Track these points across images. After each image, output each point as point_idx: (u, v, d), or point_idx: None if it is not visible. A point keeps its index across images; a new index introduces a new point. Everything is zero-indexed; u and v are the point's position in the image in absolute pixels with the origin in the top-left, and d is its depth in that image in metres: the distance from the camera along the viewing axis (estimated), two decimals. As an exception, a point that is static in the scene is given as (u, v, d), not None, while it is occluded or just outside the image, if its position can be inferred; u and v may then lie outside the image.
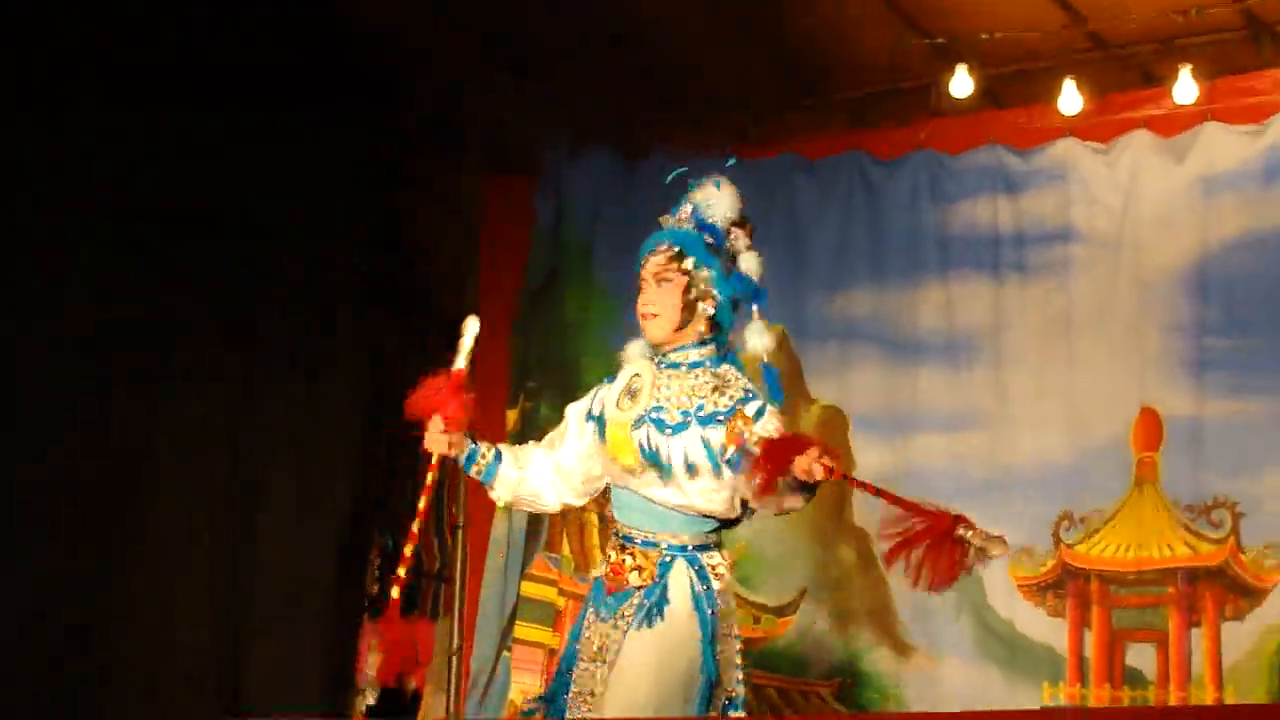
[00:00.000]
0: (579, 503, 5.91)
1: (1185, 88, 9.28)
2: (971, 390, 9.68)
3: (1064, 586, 9.36)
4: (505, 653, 10.11)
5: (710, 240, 5.68)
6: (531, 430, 8.97)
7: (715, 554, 5.59)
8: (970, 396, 9.68)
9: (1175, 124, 9.43)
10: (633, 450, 5.58)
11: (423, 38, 9.95)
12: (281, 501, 9.73)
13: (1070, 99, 9.51)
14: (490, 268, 10.54)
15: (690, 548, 5.55)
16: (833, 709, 9.62)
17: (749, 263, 5.72)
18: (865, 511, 9.69)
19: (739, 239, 5.71)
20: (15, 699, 8.21)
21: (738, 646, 5.63)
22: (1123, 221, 9.47)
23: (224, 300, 9.41)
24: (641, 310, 5.67)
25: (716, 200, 5.73)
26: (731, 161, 5.89)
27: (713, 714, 5.50)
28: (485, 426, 10.31)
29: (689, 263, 5.60)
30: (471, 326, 5.95)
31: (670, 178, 5.90)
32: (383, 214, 10.40)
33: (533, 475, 5.80)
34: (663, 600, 5.47)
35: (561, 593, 10.10)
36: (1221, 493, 9.10)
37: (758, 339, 5.73)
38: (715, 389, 5.57)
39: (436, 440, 5.75)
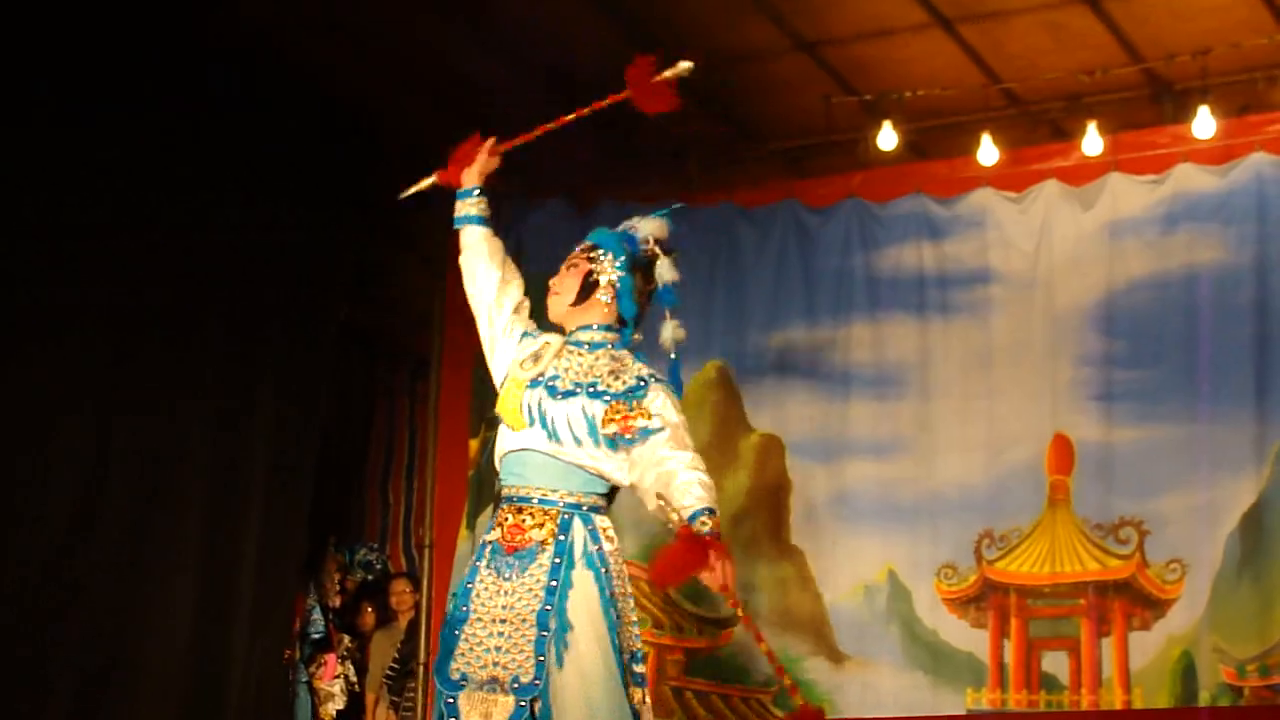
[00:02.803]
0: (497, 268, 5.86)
1: (1092, 142, 9.39)
2: (899, 420, 9.72)
3: (985, 599, 9.41)
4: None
5: (626, 245, 5.65)
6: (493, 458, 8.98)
7: (605, 517, 5.50)
8: (897, 425, 9.72)
9: (1083, 175, 9.53)
10: (516, 408, 5.51)
11: (391, 106, 9.95)
12: (258, 516, 9.59)
13: (987, 152, 9.60)
14: (455, 310, 10.15)
15: (584, 508, 5.44)
16: (772, 714, 9.62)
17: (663, 268, 5.64)
18: (802, 534, 9.81)
19: (654, 247, 5.65)
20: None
21: (632, 604, 5.50)
22: (1036, 264, 9.56)
23: (222, 345, 9.39)
24: (550, 288, 5.65)
25: (645, 221, 5.71)
26: (678, 205, 5.85)
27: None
28: (450, 456, 10.46)
29: (598, 252, 5.61)
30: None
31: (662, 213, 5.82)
32: (358, 266, 10.39)
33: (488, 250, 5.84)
34: (570, 557, 5.37)
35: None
36: (1128, 513, 9.20)
37: (668, 334, 5.59)
38: (611, 371, 5.51)
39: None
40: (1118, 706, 9.05)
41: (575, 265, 5.58)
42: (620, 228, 5.68)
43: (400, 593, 10.54)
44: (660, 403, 5.40)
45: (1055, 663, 9.31)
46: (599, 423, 5.38)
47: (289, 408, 9.71)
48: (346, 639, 10.39)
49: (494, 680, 5.26)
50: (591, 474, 5.44)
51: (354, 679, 10.29)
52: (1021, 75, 9.57)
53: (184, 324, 9.18)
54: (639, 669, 5.44)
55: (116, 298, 8.78)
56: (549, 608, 5.27)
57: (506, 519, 5.46)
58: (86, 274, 8.61)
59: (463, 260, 5.81)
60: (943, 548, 9.50)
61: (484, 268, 5.76)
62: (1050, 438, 9.38)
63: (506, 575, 5.38)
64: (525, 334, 5.68)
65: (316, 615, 10.15)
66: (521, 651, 5.26)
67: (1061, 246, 9.52)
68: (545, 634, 5.24)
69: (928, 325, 9.75)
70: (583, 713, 5.21)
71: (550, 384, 5.48)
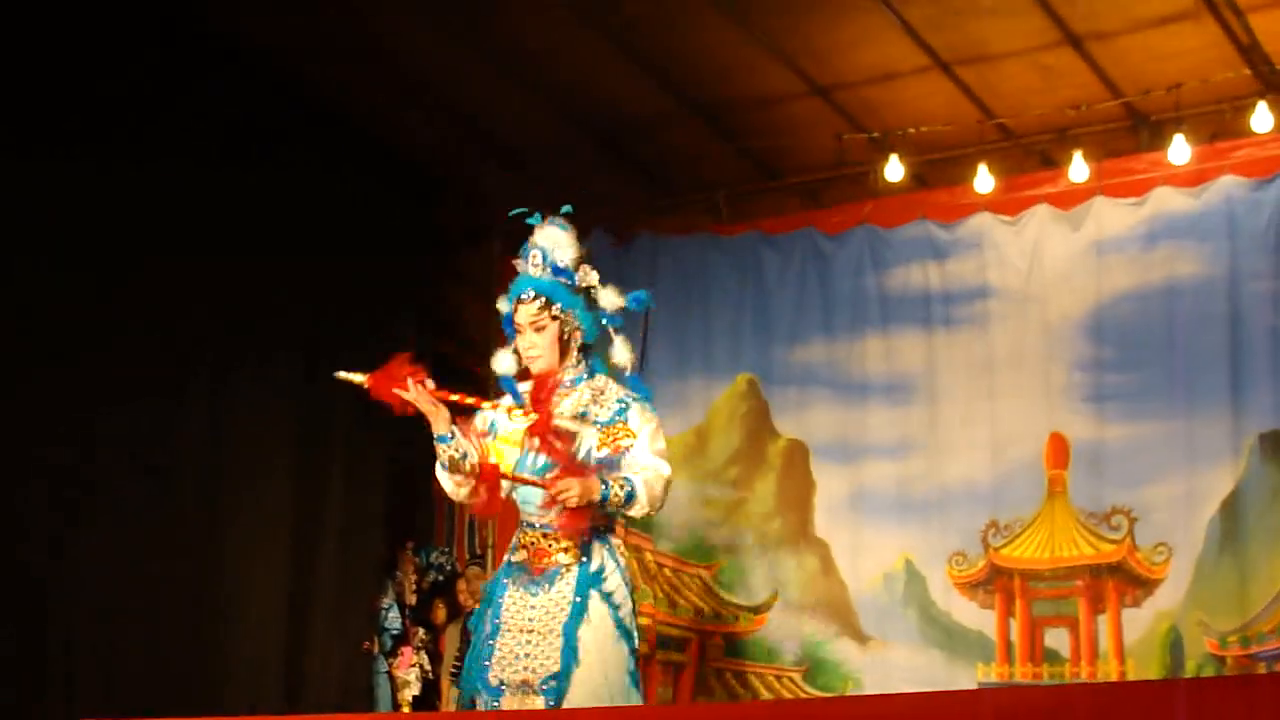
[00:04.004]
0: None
1: (1078, 169, 9.59)
2: (910, 423, 9.92)
3: (992, 583, 9.60)
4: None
5: (567, 282, 5.77)
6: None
7: (615, 536, 5.75)
8: (909, 428, 9.92)
9: (1071, 199, 9.71)
10: (517, 461, 5.69)
11: (453, 161, 10.31)
12: (336, 523, 9.92)
13: (984, 180, 9.80)
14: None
15: (601, 529, 5.70)
16: (803, 691, 9.87)
17: (608, 297, 5.83)
18: (826, 528, 10.08)
19: (588, 274, 5.81)
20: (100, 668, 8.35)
21: (637, 611, 5.78)
22: (1030, 280, 9.74)
23: (305, 371, 9.68)
24: (524, 353, 5.75)
25: (562, 244, 5.82)
26: (567, 209, 5.99)
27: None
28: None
29: (556, 308, 5.72)
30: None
31: (510, 217, 5.96)
32: (423, 298, 10.69)
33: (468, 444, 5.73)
34: (598, 574, 5.63)
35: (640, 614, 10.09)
36: (1119, 502, 9.39)
37: (622, 355, 5.85)
38: (594, 399, 5.73)
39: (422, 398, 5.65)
40: (1113, 678, 9.13)
41: (542, 327, 5.73)
42: (542, 263, 5.77)
43: (472, 579, 10.71)
44: (637, 420, 5.70)
45: (1057, 639, 9.46)
46: (594, 449, 5.65)
47: (362, 427, 9.84)
48: (421, 632, 10.63)
49: (525, 684, 5.61)
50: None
51: (428, 668, 10.55)
52: (1013, 111, 9.66)
53: (268, 353, 9.52)
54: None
55: (212, 326, 9.11)
56: (574, 621, 5.61)
57: (531, 543, 5.73)
58: (181, 307, 8.89)
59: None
60: (953, 537, 9.67)
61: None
62: (1047, 436, 9.53)
63: (534, 591, 5.68)
64: (491, 419, 5.82)
65: (394, 612, 10.43)
66: (549, 658, 5.59)
67: (1053, 264, 9.66)
68: (568, 647, 5.57)
69: (934, 337, 9.91)
70: (591, 696, 5.55)
71: None
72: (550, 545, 5.69)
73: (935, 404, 9.91)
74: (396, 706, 10.30)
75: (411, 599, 10.73)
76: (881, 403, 10.03)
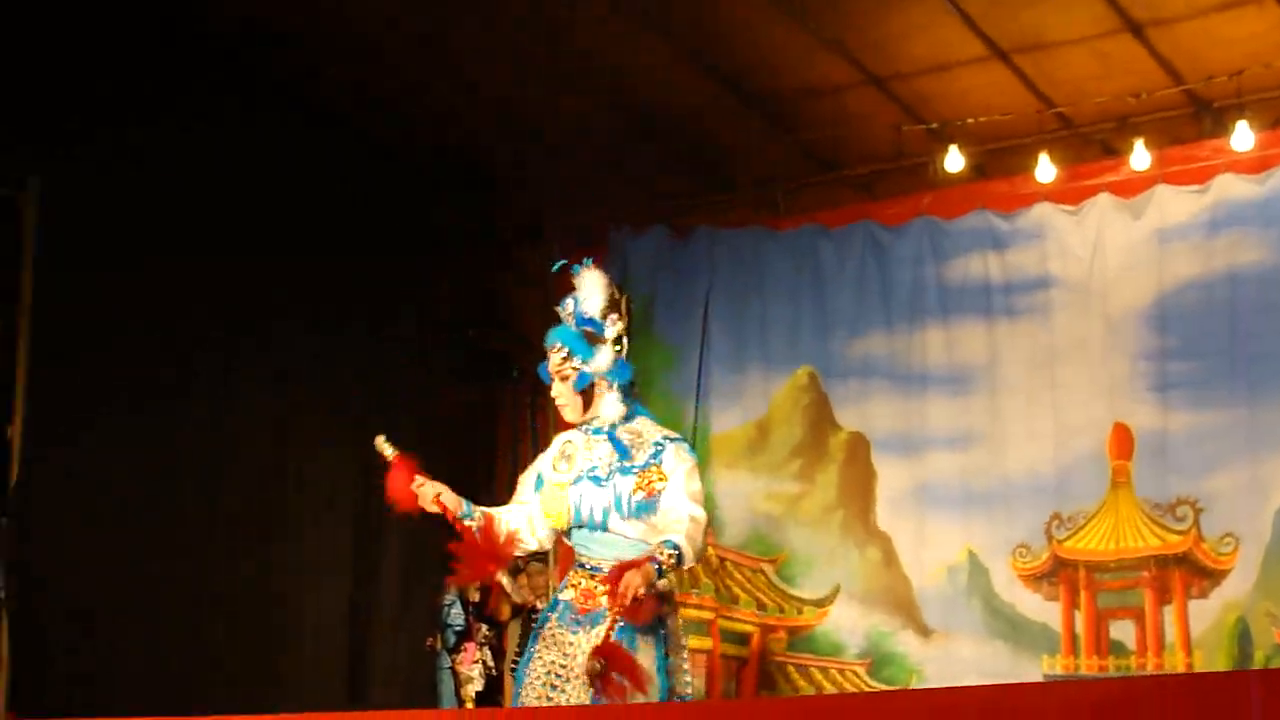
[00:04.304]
0: (548, 544, 6.03)
1: (1140, 157, 9.50)
2: (972, 414, 9.87)
3: (1056, 575, 9.53)
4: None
5: (591, 331, 5.85)
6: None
7: (665, 581, 5.69)
8: (971, 420, 9.87)
9: (1132, 187, 9.64)
10: (563, 511, 5.79)
11: (514, 161, 10.36)
12: (398, 522, 9.92)
13: (1045, 170, 9.72)
14: None
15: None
16: (867, 684, 9.82)
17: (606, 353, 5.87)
18: (889, 521, 10.04)
19: (615, 323, 5.88)
20: (168, 670, 8.47)
21: (686, 654, 5.80)
22: (1092, 269, 9.66)
23: (364, 369, 9.81)
24: (555, 400, 5.94)
25: (591, 295, 5.90)
26: (591, 261, 6.07)
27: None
28: None
29: (577, 360, 5.82)
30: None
31: (554, 270, 6.12)
32: (484, 295, 10.78)
33: (511, 518, 5.89)
34: (634, 630, 5.58)
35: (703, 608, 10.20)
36: (1184, 492, 9.31)
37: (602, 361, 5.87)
38: (630, 444, 5.79)
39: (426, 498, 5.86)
40: (1180, 669, 9.06)
41: (566, 377, 5.84)
42: (571, 312, 5.89)
43: (534, 575, 10.72)
44: (672, 462, 5.73)
45: (1122, 630, 9.39)
46: (630, 493, 5.69)
47: (422, 422, 9.93)
48: (484, 628, 10.66)
49: None
50: (646, 545, 5.68)
51: (491, 664, 10.59)
52: (1073, 100, 9.61)
53: (328, 349, 9.64)
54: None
55: (273, 324, 9.26)
56: None
57: (579, 583, 5.78)
58: (244, 307, 9.09)
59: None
60: (1016, 529, 9.61)
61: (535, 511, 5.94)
62: (1111, 426, 9.46)
63: (574, 630, 5.70)
64: (538, 472, 5.96)
65: (457, 609, 10.48)
66: (581, 699, 5.56)
67: (1115, 253, 9.60)
68: (599, 696, 5.49)
69: (995, 328, 9.85)
70: None
71: (594, 476, 5.79)
72: (596, 588, 5.73)
73: (997, 395, 9.85)
74: (460, 702, 10.35)
75: (475, 595, 10.74)
76: (943, 394, 9.98)
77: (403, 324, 10.09)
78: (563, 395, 5.89)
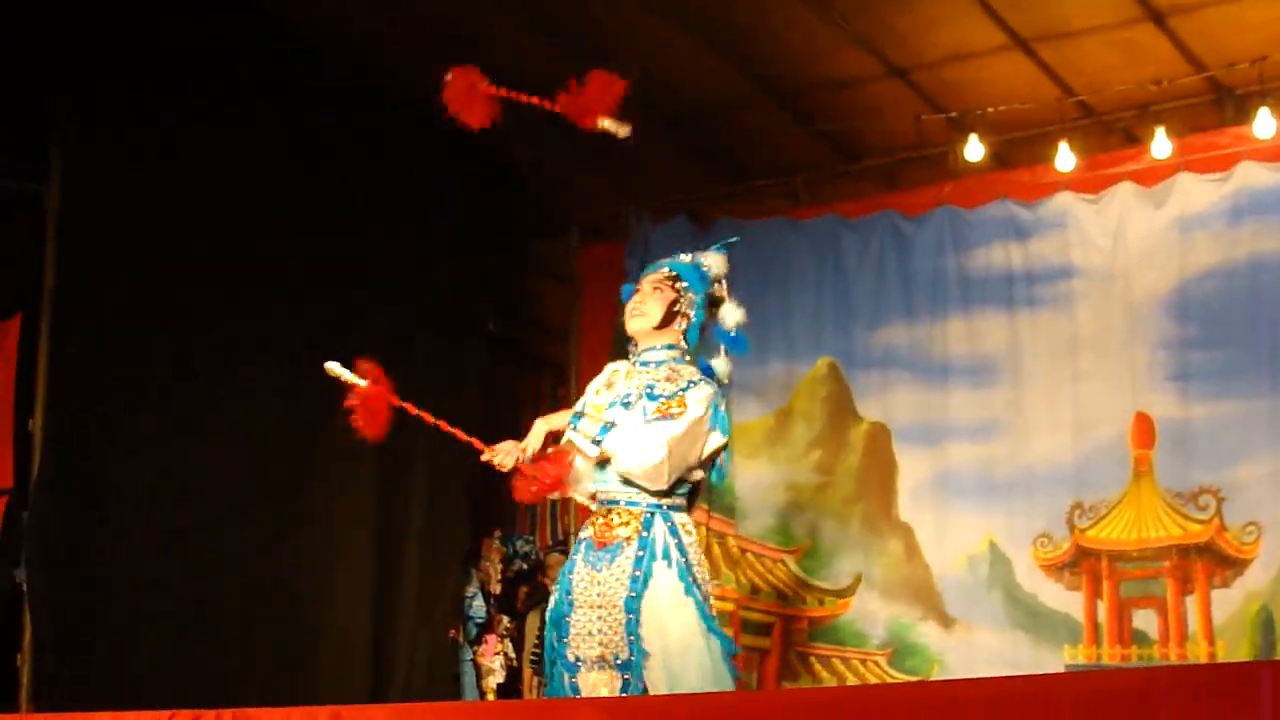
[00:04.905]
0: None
1: (1161, 145, 9.45)
2: (993, 404, 9.84)
3: (1078, 565, 9.50)
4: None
5: (703, 284, 6.01)
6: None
7: (684, 514, 5.83)
8: (992, 410, 9.83)
9: (1154, 176, 9.59)
10: (597, 422, 5.90)
11: (534, 146, 10.11)
12: (421, 513, 10.00)
13: (1065, 159, 9.68)
14: (589, 325, 10.65)
15: (665, 507, 5.79)
16: (888, 674, 9.83)
17: (729, 312, 6.04)
18: (910, 511, 10.01)
19: (723, 289, 6.04)
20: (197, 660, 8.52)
21: (711, 585, 5.87)
22: (1114, 258, 9.63)
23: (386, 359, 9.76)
24: (631, 309, 6.00)
25: (716, 261, 6.08)
26: (735, 239, 6.26)
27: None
28: None
29: (682, 285, 5.96)
30: None
31: (721, 247, 6.18)
32: (505, 287, 10.78)
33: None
34: (652, 550, 5.71)
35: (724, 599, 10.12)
36: (1206, 481, 9.26)
37: (721, 366, 6.03)
38: (668, 377, 5.87)
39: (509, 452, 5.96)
40: (1203, 659, 9.03)
41: (659, 290, 5.96)
42: (692, 259, 6.04)
43: (554, 565, 10.52)
44: (695, 399, 5.79)
45: (1145, 620, 9.35)
46: (650, 415, 5.78)
47: (445, 417, 10.09)
48: (505, 620, 10.75)
49: (601, 659, 5.71)
50: None
51: (512, 655, 10.67)
52: (1094, 88, 9.59)
53: (353, 339, 9.36)
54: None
55: (294, 316, 9.27)
56: (633, 594, 5.68)
57: (598, 519, 5.88)
58: (265, 299, 9.13)
59: None
60: (1038, 519, 9.58)
61: None
62: (1132, 416, 9.41)
63: (598, 567, 5.79)
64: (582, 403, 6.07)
65: (478, 600, 10.54)
66: (616, 634, 5.68)
67: (1136, 242, 9.55)
68: (632, 617, 5.65)
69: (1017, 318, 9.83)
70: (667, 685, 5.60)
71: (625, 401, 5.89)
72: (613, 519, 5.83)
73: (1018, 385, 9.82)
74: (481, 694, 10.42)
75: (496, 587, 10.86)
76: (964, 384, 9.96)
77: (424, 315, 10.07)
78: (646, 303, 5.96)
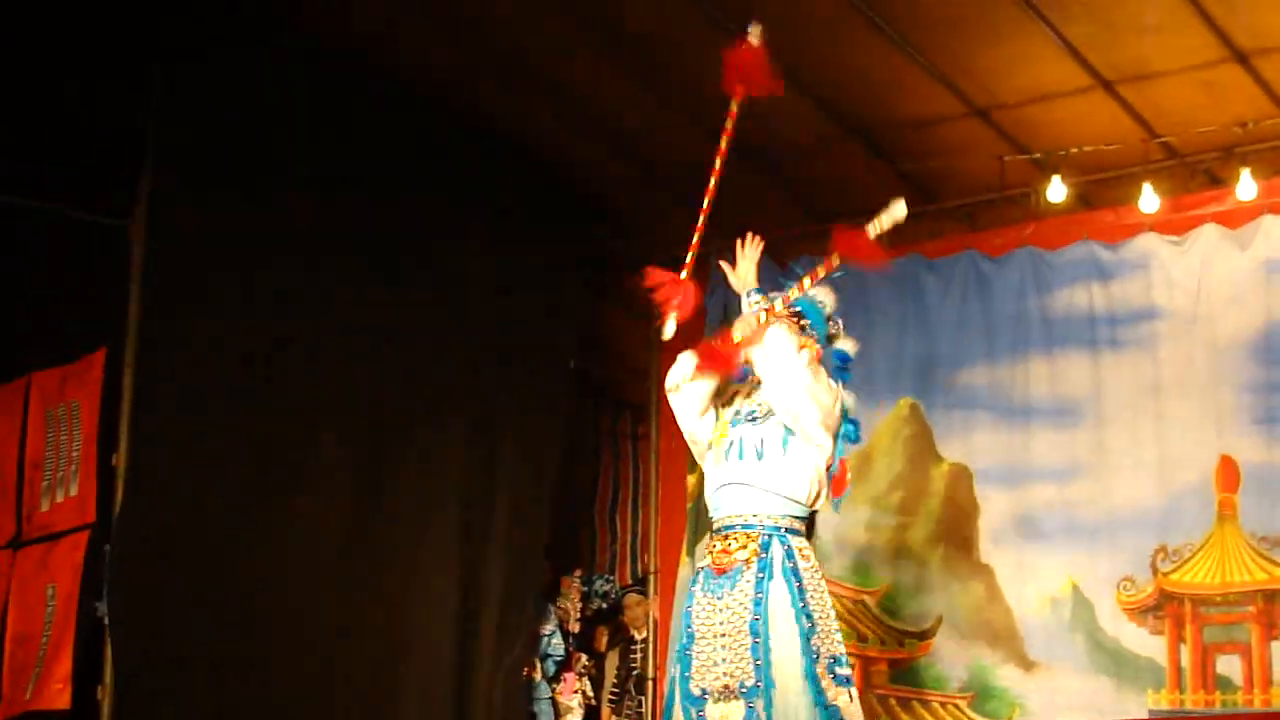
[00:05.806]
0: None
1: (1246, 187, 9.39)
2: (1076, 446, 9.75)
3: (1162, 608, 9.40)
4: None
5: (821, 320, 6.30)
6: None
7: (802, 539, 5.89)
8: (1075, 452, 9.75)
9: (1238, 218, 9.52)
10: (723, 450, 6.05)
11: (623, 190, 10.41)
12: (501, 549, 10.00)
13: (1149, 200, 9.64)
14: (669, 362, 10.52)
15: (782, 530, 5.84)
16: (969, 718, 9.74)
17: (846, 343, 6.32)
18: (991, 553, 9.93)
19: (838, 324, 6.36)
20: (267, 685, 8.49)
21: (832, 613, 5.89)
22: (1198, 301, 9.55)
23: (469, 395, 9.84)
24: (734, 330, 6.26)
25: (827, 297, 6.41)
26: (839, 271, 6.42)
27: (820, 668, 5.74)
28: (670, 490, 10.76)
29: (806, 323, 6.23)
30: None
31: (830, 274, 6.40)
32: (587, 325, 10.79)
33: None
34: (770, 571, 5.75)
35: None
36: None
37: (850, 401, 6.35)
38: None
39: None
40: None
41: (773, 311, 6.16)
42: (809, 295, 6.28)
43: (633, 606, 10.79)
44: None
45: (1229, 665, 9.24)
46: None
47: (527, 452, 10.07)
48: (584, 658, 10.75)
49: (726, 689, 5.70)
50: (786, 499, 5.88)
51: (590, 694, 10.67)
52: (1178, 129, 9.54)
53: (438, 379, 9.65)
54: (843, 671, 5.80)
55: (377, 351, 9.28)
56: (757, 618, 5.69)
57: (715, 546, 5.93)
58: (351, 330, 9.13)
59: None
60: (1121, 562, 9.48)
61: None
62: (1217, 459, 9.32)
63: (719, 594, 5.81)
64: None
65: (557, 639, 10.53)
66: (742, 660, 5.67)
67: (1221, 284, 9.49)
68: (757, 640, 5.65)
69: (1100, 359, 9.76)
70: (782, 712, 5.63)
71: (751, 418, 6.02)
72: (730, 544, 5.86)
73: (1101, 427, 9.75)
74: (558, 731, 10.34)
75: (575, 626, 10.84)
76: (1046, 426, 9.88)
77: (506, 349, 10.07)
78: (745, 326, 6.14)
